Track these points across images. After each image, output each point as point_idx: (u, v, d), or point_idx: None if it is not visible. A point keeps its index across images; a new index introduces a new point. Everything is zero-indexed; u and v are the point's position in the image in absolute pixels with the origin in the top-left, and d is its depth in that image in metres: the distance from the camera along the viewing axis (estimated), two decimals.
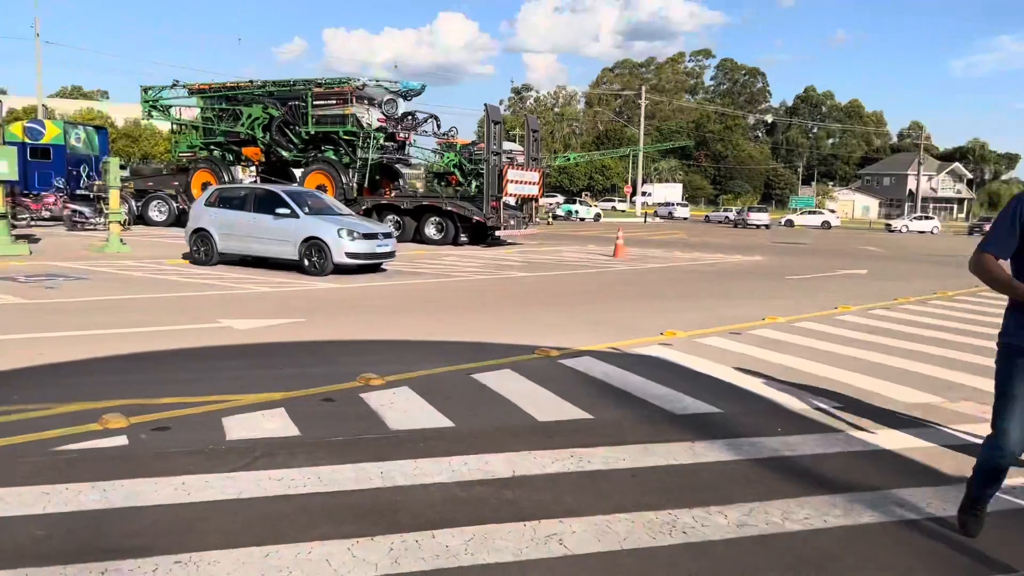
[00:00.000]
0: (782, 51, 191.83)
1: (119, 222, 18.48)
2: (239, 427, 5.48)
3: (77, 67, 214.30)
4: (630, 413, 6.19)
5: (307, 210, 15.70)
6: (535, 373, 7.29)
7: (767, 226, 56.35)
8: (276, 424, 5.56)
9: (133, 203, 28.31)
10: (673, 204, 79.82)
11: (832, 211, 74.92)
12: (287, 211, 15.37)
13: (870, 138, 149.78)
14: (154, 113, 28.57)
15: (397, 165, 27.31)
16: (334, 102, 25.12)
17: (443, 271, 16.96)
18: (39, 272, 14.02)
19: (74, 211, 24.63)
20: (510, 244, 25.81)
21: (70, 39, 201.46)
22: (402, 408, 6.05)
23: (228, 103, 27.15)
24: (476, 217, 23.37)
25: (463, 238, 24.20)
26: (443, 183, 51.58)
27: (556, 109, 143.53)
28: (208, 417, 5.68)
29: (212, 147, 27.83)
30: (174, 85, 28.12)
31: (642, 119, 74.60)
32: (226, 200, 16.36)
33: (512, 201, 25.24)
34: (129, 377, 6.87)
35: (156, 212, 28.45)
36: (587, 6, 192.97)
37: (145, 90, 28.24)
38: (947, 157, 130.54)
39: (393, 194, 26.33)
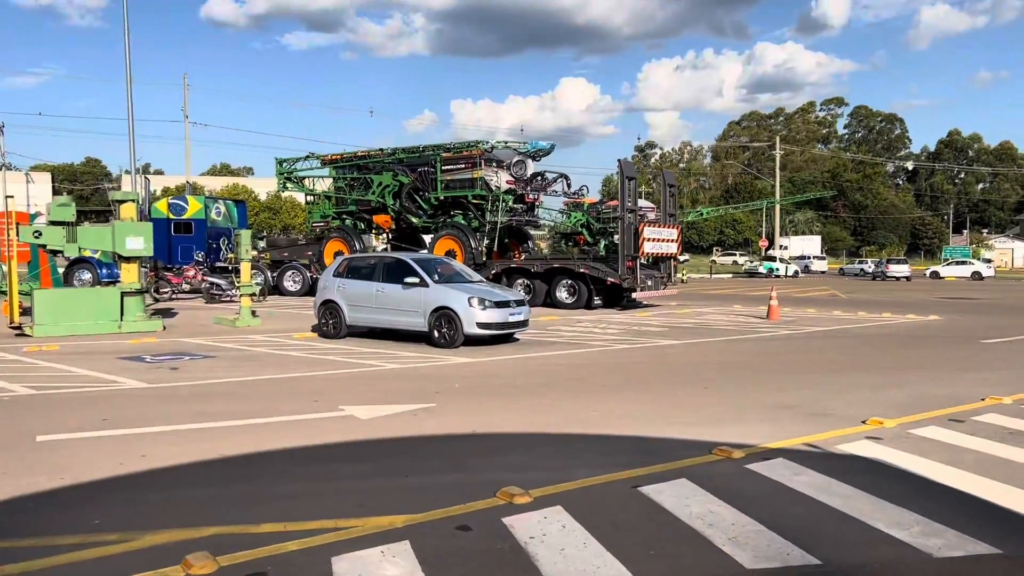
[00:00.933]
0: (917, 96, 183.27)
1: (251, 295, 18.24)
2: (351, 574, 4.22)
3: (225, 146, 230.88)
4: (867, 552, 4.53)
5: (437, 278, 14.80)
6: (720, 486, 5.72)
7: (908, 278, 53.11)
8: (399, 572, 4.26)
9: (269, 274, 28.63)
10: (809, 257, 75.81)
11: (988, 260, 68.85)
12: (416, 280, 14.51)
13: None
14: (288, 184, 29.06)
15: (526, 227, 26.40)
16: (463, 166, 24.60)
17: (579, 339, 15.58)
18: (167, 351, 13.64)
19: (212, 284, 25.00)
20: (646, 306, 24.19)
21: (216, 119, 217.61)
22: (558, 544, 4.63)
23: (359, 172, 27.20)
24: (610, 279, 21.96)
25: (597, 301, 22.81)
26: (570, 243, 50.59)
27: (682, 165, 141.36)
28: (313, 557, 4.45)
29: (344, 216, 27.90)
30: (307, 157, 28.57)
31: (777, 168, 71.59)
32: (354, 270, 15.71)
33: (644, 260, 23.71)
34: (231, 490, 5.81)
35: (291, 282, 28.65)
36: (708, 63, 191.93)
37: (280, 162, 28.81)
38: None
39: (523, 257, 25.36)
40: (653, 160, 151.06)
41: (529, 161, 25.02)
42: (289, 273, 28.71)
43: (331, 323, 15.59)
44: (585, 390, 10.07)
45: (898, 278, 52.99)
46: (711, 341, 15.51)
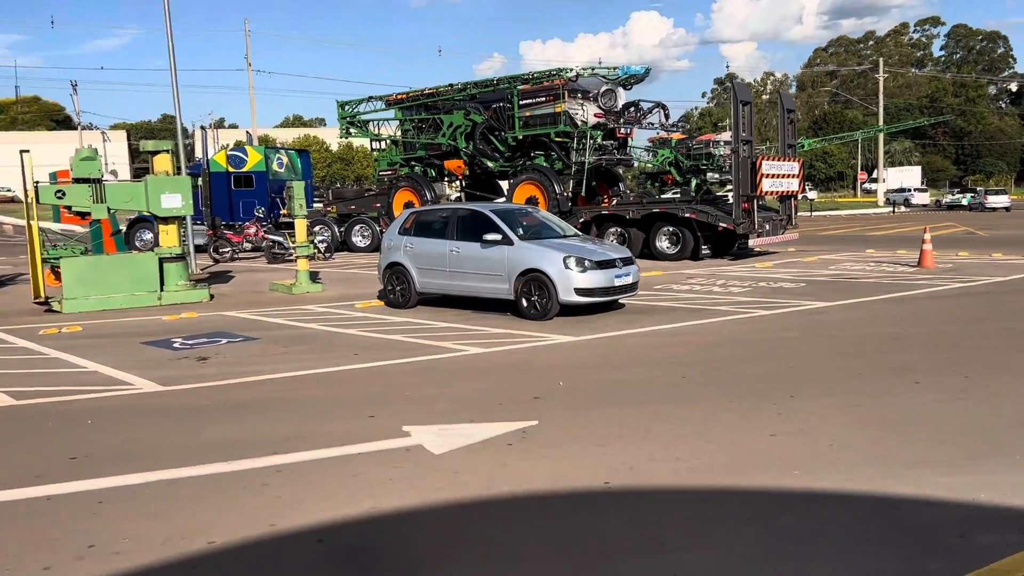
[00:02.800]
0: (1016, 12, 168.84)
1: (308, 256, 15.83)
2: None
3: (296, 97, 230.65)
4: None
5: (522, 233, 12.00)
6: None
7: (1007, 209, 51.83)
8: None
9: (336, 229, 26.34)
10: (910, 190, 69.95)
11: None
12: (497, 236, 11.74)
13: None
14: (352, 129, 26.49)
15: (618, 167, 23.24)
16: (543, 99, 21.49)
17: (699, 302, 12.62)
18: (204, 330, 11.30)
19: (274, 242, 22.81)
20: (760, 254, 20.90)
21: (286, 69, 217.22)
22: None
23: (427, 112, 24.40)
24: (723, 224, 18.73)
25: (705, 250, 19.65)
26: (657, 184, 47.00)
27: (766, 96, 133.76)
28: None
29: (413, 163, 25.22)
30: (370, 99, 25.85)
31: (880, 93, 65.67)
32: (423, 226, 13.05)
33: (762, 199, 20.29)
34: None
35: (359, 237, 26.31)
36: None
37: (341, 105, 26.22)
38: None
39: (615, 202, 22.26)
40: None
41: (620, 90, 21.72)
42: (357, 227, 26.35)
43: (398, 290, 13.02)
44: (742, 389, 7.18)
45: (995, 209, 51.79)
46: (869, 301, 12.32)
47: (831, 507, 4.53)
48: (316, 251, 22.33)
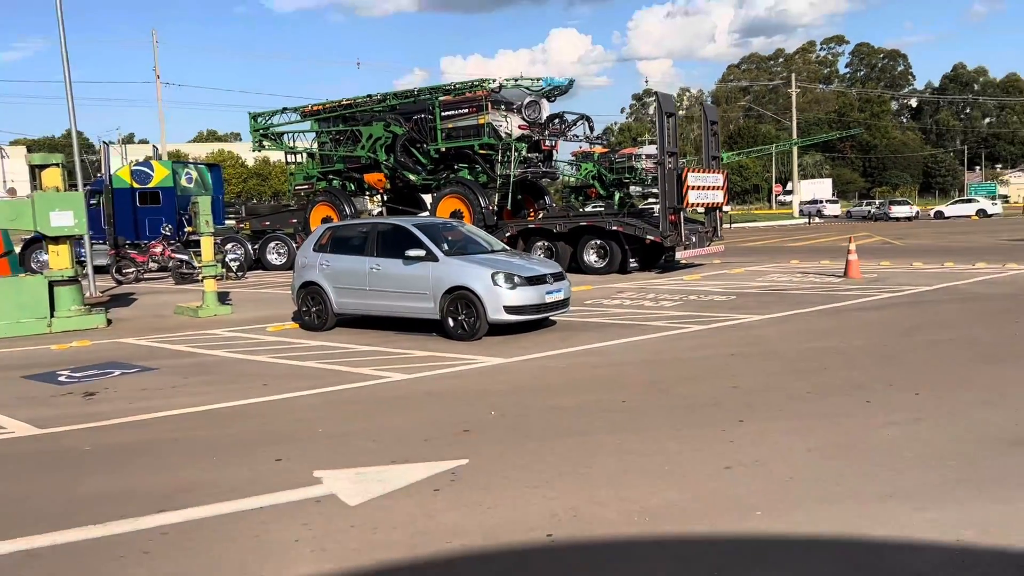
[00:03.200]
0: (914, 32, 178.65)
1: (215, 276, 14.75)
2: None
3: (211, 111, 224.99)
4: None
5: (447, 248, 11.32)
6: None
7: (909, 219, 55.09)
8: None
9: (249, 246, 25.10)
10: (822, 201, 72.16)
11: (999, 197, 65.74)
12: (421, 252, 11.02)
13: None
14: (265, 142, 25.32)
15: (543, 180, 22.79)
16: (466, 111, 20.89)
17: (632, 317, 12.16)
18: (95, 361, 10.20)
19: (181, 261, 21.48)
20: (687, 267, 20.71)
21: (200, 83, 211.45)
22: None
23: (345, 124, 23.49)
24: (651, 237, 18.41)
25: (633, 264, 19.31)
26: (580, 197, 46.89)
27: (682, 112, 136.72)
28: None
29: (331, 176, 24.23)
30: (284, 110, 24.79)
31: (794, 108, 67.53)
32: (341, 243, 12.21)
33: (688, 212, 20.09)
34: None
35: (274, 255, 25.14)
36: (700, 8, 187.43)
37: (254, 117, 25.05)
38: None
39: (541, 215, 21.79)
40: (652, 108, 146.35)
41: (544, 102, 21.28)
42: (272, 244, 25.17)
43: (314, 311, 12.14)
44: (687, 414, 6.66)
45: (898, 219, 54.81)
46: (802, 314, 12.07)
47: (807, 557, 3.99)
48: (227, 270, 21.15)
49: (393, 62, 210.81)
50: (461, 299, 10.67)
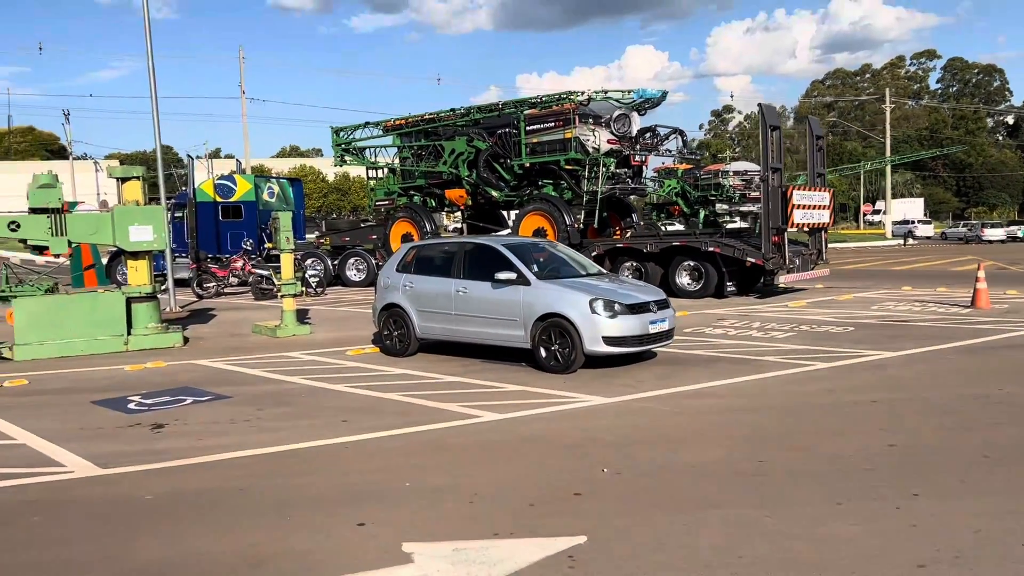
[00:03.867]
0: (1007, 48, 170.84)
1: (294, 295, 14.19)
2: None
3: (293, 127, 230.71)
4: None
5: (538, 271, 10.38)
6: None
7: (1003, 241, 54.18)
8: None
9: (329, 262, 24.77)
10: (914, 222, 68.81)
11: None
12: (511, 275, 10.11)
13: None
14: (347, 157, 24.94)
15: (631, 197, 21.71)
16: (552, 125, 20.02)
17: (741, 349, 10.98)
18: (168, 386, 9.62)
19: (261, 277, 21.17)
20: (786, 291, 19.29)
21: (280, 97, 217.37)
22: None
23: (427, 139, 22.91)
24: (751, 259, 17.12)
25: (730, 288, 18.04)
26: (663, 215, 45.44)
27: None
28: None
29: (412, 192, 23.67)
30: (366, 125, 24.37)
31: (887, 123, 64.64)
32: (425, 262, 11.43)
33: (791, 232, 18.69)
34: None
35: (353, 271, 24.72)
36: (780, 23, 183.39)
37: (336, 132, 24.72)
38: None
39: (629, 234, 20.70)
40: (731, 125, 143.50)
41: (634, 115, 20.24)
42: (352, 260, 24.76)
43: (396, 336, 11.36)
44: (845, 480, 5.52)
45: (991, 241, 53.76)
46: (937, 351, 10.68)
47: None
48: (306, 287, 20.72)
49: (470, 80, 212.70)
50: (555, 328, 9.71)
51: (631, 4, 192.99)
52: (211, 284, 21.94)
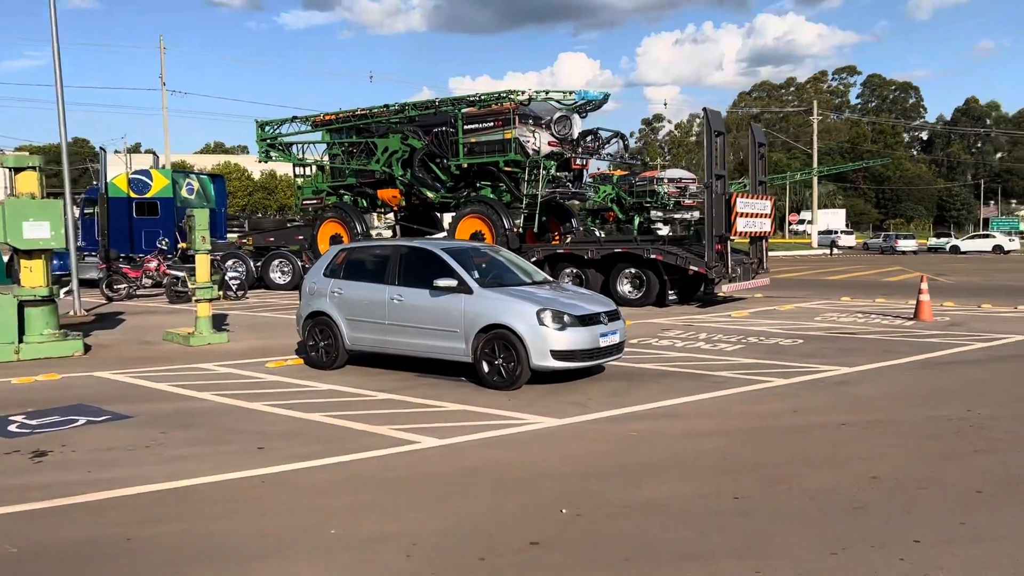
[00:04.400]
0: (920, 67, 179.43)
1: (210, 299, 13.03)
2: None
3: (219, 123, 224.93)
4: None
5: (479, 277, 9.56)
6: None
7: (915, 252, 55.68)
8: None
9: (251, 263, 23.44)
10: (837, 232, 70.76)
11: (1015, 232, 64.33)
12: (452, 282, 9.27)
13: None
14: (272, 153, 23.66)
15: (571, 201, 21.11)
16: (491, 124, 19.26)
17: (694, 363, 10.40)
18: (61, 402, 8.46)
19: (176, 278, 19.75)
20: (727, 300, 18.95)
21: (205, 91, 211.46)
22: None
23: (359, 136, 21.87)
24: (694, 267, 16.66)
25: (672, 296, 17.56)
26: (598, 221, 45.14)
27: (692, 138, 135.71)
28: None
29: (342, 191, 22.57)
30: (294, 119, 23.16)
31: (815, 136, 66.23)
32: (357, 267, 10.49)
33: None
34: None
35: (278, 273, 23.45)
36: (708, 36, 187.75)
37: (261, 126, 23.43)
38: None
39: (568, 239, 20.09)
40: (662, 134, 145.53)
41: (575, 117, 19.64)
42: (276, 262, 23.49)
43: (322, 346, 10.39)
44: (833, 523, 4.87)
45: (904, 252, 55.28)
46: (894, 367, 10.29)
47: None
48: (226, 290, 19.46)
49: (403, 80, 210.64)
50: (499, 340, 8.91)
51: (564, 12, 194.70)
52: (122, 286, 20.44)
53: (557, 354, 8.75)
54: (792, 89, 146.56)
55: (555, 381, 9.22)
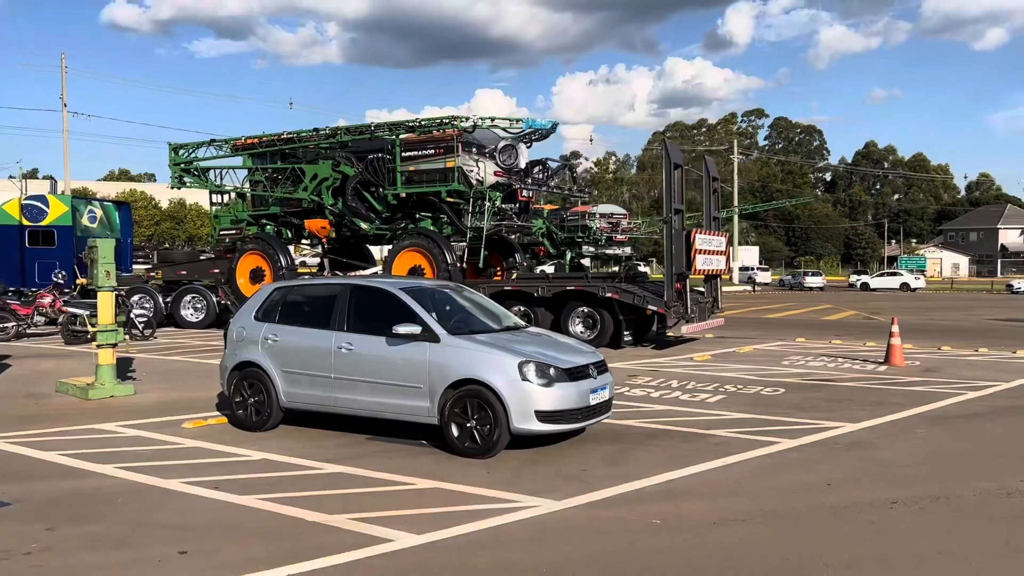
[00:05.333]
0: (820, 112, 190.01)
1: (113, 344, 11.15)
2: None
3: (125, 149, 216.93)
4: None
5: (443, 322, 8.13)
6: None
7: (821, 288, 58.20)
8: None
9: (160, 299, 21.31)
10: (753, 269, 72.24)
11: (920, 271, 67.10)
12: (414, 328, 7.82)
13: (938, 192, 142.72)
14: (187, 179, 21.67)
15: (516, 235, 19.89)
16: (431, 152, 17.94)
17: (681, 419, 9.21)
18: None
19: (74, 316, 17.52)
20: (679, 341, 17.96)
21: (111, 115, 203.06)
22: None
23: (284, 161, 20.17)
24: (653, 307, 15.59)
25: (627, 337, 16.45)
26: (528, 255, 44.09)
27: (609, 175, 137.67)
28: None
29: (264, 221, 20.73)
30: (212, 142, 21.26)
31: (735, 174, 67.27)
32: (295, 309, 8.91)
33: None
34: None
35: (190, 311, 21.38)
36: (620, 77, 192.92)
37: (175, 149, 21.44)
38: None
39: (514, 275, 18.83)
40: (580, 170, 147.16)
41: (521, 146, 18.49)
42: (188, 298, 21.42)
43: (252, 404, 8.73)
44: None
45: (812, 288, 58.13)
46: (900, 422, 9.32)
47: None
48: (132, 329, 17.37)
49: (320, 110, 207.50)
50: (472, 398, 7.50)
51: (481, 49, 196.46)
52: (9, 324, 18.08)
53: (543, 415, 7.38)
54: (704, 130, 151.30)
55: (535, 445, 7.85)
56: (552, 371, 7.51)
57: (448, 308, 8.75)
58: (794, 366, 14.03)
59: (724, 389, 11.50)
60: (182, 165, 21.43)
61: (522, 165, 18.49)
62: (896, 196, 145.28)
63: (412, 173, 18.17)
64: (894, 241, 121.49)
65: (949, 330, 21.99)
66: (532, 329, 9.18)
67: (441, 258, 17.40)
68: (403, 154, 18.15)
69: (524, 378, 7.38)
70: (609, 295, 15.97)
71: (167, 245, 64.02)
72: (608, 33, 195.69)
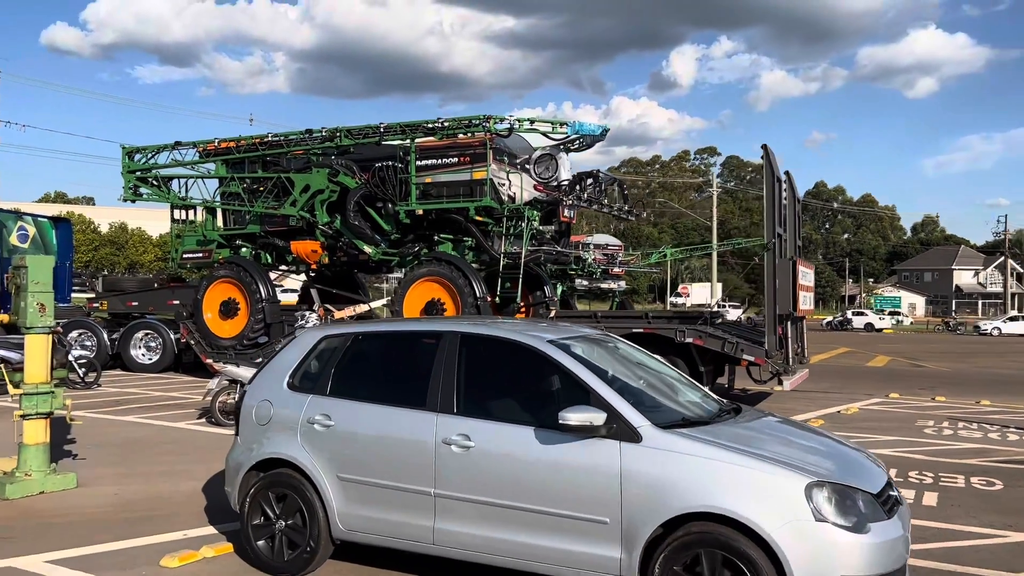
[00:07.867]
0: (759, 153, 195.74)
1: (46, 414, 7.48)
2: None
3: (65, 171, 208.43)
4: None
5: (635, 402, 4.70)
6: None
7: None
8: None
9: (105, 336, 17.41)
10: (725, 305, 70.51)
11: (880, 311, 67.18)
12: (592, 416, 4.38)
13: (886, 232, 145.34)
14: (143, 190, 17.81)
15: (549, 265, 16.58)
16: (455, 160, 14.60)
17: (937, 549, 5.96)
18: None
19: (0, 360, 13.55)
20: (753, 395, 14.79)
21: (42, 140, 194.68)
22: None
23: (268, 170, 16.56)
24: (748, 356, 12.35)
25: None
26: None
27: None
28: None
29: (239, 242, 16.97)
30: (177, 145, 17.47)
31: (714, 209, 65.37)
32: (357, 371, 5.42)
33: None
34: None
35: (142, 350, 17.53)
36: (567, 116, 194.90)
37: (129, 154, 17.57)
38: (987, 251, 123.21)
39: (552, 313, 15.48)
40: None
41: (563, 156, 15.27)
42: (140, 335, 17.55)
43: (282, 530, 5.18)
44: None
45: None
46: None
47: None
48: (71, 372, 13.51)
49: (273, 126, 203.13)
50: (712, 549, 4.10)
51: (430, 83, 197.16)
52: None
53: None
54: (657, 167, 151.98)
55: None
56: (861, 500, 4.17)
57: (610, 373, 5.35)
58: (942, 436, 10.93)
59: (913, 479, 8.30)
60: (138, 173, 17.58)
61: (563, 178, 15.23)
62: (845, 235, 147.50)
63: (430, 186, 14.77)
64: (851, 280, 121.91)
65: (1003, 381, 19.29)
66: (749, 409, 5.76)
67: (468, 290, 13.96)
68: (419, 162, 14.75)
69: (819, 515, 4.03)
70: (690, 340, 12.69)
71: (105, 272, 59.02)
72: (556, 71, 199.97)
